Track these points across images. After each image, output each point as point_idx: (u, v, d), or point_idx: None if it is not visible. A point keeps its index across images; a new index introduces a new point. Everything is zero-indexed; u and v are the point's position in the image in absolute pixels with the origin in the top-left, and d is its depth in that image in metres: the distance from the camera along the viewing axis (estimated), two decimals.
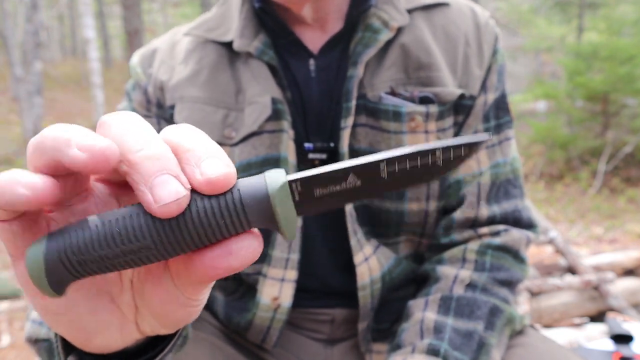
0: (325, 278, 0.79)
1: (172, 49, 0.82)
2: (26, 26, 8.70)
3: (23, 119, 8.51)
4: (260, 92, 0.73)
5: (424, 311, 0.71)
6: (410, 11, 0.76)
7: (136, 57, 0.83)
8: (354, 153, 0.73)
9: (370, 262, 0.75)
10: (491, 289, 0.72)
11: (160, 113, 0.80)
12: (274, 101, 0.72)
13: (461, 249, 0.76)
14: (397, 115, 0.72)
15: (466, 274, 0.73)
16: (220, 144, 0.74)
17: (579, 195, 5.86)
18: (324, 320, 0.81)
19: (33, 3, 8.17)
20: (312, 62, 0.75)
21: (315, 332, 0.82)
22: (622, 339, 1.61)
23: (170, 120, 0.78)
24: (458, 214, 0.76)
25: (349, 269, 0.76)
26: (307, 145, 0.74)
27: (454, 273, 0.74)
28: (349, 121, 0.72)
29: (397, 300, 0.79)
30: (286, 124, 0.72)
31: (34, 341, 0.57)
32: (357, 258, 0.74)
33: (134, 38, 7.45)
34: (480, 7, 0.82)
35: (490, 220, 0.77)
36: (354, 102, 0.72)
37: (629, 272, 2.51)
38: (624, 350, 1.52)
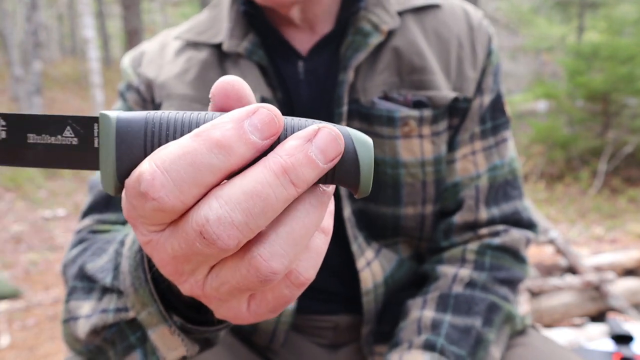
0: (328, 284, 0.78)
1: (161, 50, 0.81)
2: (26, 26, 8.71)
3: None
4: None
5: (421, 309, 0.71)
6: (401, 13, 0.75)
7: (127, 59, 0.83)
8: None
9: (373, 266, 0.74)
10: (491, 287, 0.72)
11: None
12: (264, 100, 0.71)
13: (460, 249, 0.75)
14: (390, 120, 0.71)
15: (466, 273, 0.73)
16: None
17: (579, 195, 5.85)
18: (327, 327, 0.80)
19: (32, 3, 8.17)
20: (300, 64, 0.74)
21: (319, 337, 0.81)
22: (623, 339, 1.60)
23: None
24: (457, 218, 0.75)
25: (352, 274, 0.75)
26: None
27: (453, 272, 0.73)
28: None
29: (400, 303, 0.78)
30: None
31: (100, 330, 0.53)
32: (360, 263, 0.73)
33: (133, 38, 7.44)
34: (473, 7, 0.81)
35: (490, 223, 0.76)
36: (345, 108, 0.71)
37: (629, 272, 2.50)
38: (625, 351, 1.51)
